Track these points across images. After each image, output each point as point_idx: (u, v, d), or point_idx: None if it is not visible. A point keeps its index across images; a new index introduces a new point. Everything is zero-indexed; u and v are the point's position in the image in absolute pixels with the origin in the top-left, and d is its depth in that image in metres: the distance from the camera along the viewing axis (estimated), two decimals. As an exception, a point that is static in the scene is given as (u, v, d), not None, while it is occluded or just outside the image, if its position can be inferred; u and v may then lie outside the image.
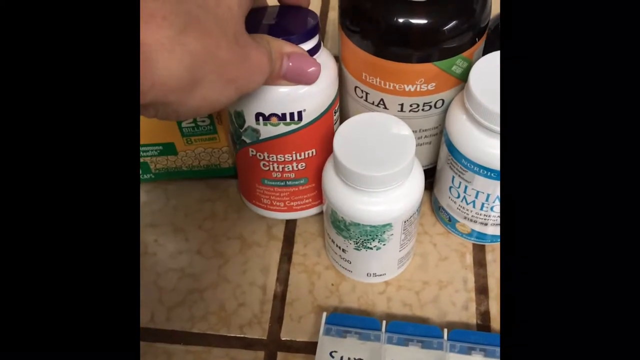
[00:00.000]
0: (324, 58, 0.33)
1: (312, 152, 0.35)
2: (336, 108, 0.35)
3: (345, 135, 0.30)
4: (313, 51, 0.32)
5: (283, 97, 0.32)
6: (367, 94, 0.34)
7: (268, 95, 0.32)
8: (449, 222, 0.37)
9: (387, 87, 0.33)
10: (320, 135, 0.35)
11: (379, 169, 0.29)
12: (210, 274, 0.37)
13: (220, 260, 0.38)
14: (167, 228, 0.39)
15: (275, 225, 0.39)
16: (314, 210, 0.39)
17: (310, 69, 0.31)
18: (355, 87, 0.34)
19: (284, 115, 0.33)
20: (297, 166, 0.36)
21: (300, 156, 0.35)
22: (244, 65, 0.26)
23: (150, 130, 0.37)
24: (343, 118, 0.38)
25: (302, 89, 0.32)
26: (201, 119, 0.37)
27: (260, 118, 0.33)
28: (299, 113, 0.33)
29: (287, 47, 0.31)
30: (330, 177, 0.31)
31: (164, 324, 0.35)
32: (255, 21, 0.32)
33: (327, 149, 0.35)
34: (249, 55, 0.26)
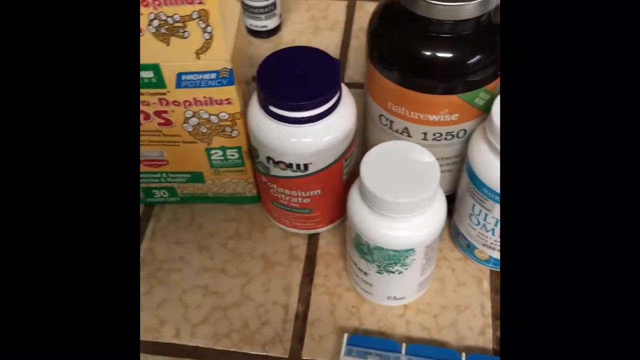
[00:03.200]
0: (343, 113, 0.34)
1: (317, 192, 0.37)
2: (348, 156, 0.36)
3: (372, 162, 0.31)
4: (333, 107, 0.33)
5: (291, 151, 0.33)
6: (391, 122, 0.35)
7: (277, 146, 0.33)
8: (468, 248, 0.38)
9: (412, 116, 0.34)
10: (328, 180, 0.36)
11: (404, 196, 0.30)
12: (234, 292, 0.38)
13: (244, 279, 0.39)
14: (193, 246, 0.41)
15: (297, 246, 0.40)
16: (318, 230, 0.40)
17: None
18: (380, 115, 0.36)
19: (290, 164, 0.34)
20: (302, 200, 0.37)
21: (305, 194, 0.37)
22: None
23: (180, 159, 0.38)
24: (367, 144, 0.40)
25: (313, 147, 0.33)
26: (230, 152, 0.38)
27: (270, 160, 0.35)
28: (305, 165, 0.34)
29: None
30: (355, 201, 0.32)
31: (188, 340, 0.36)
32: (276, 71, 0.33)
33: (333, 190, 0.37)
34: None
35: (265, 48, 0.54)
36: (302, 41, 0.54)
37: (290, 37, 0.55)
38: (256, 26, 0.54)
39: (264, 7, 0.53)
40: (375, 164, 0.31)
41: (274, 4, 0.53)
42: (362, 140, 0.41)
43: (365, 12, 0.57)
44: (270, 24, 0.54)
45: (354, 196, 0.33)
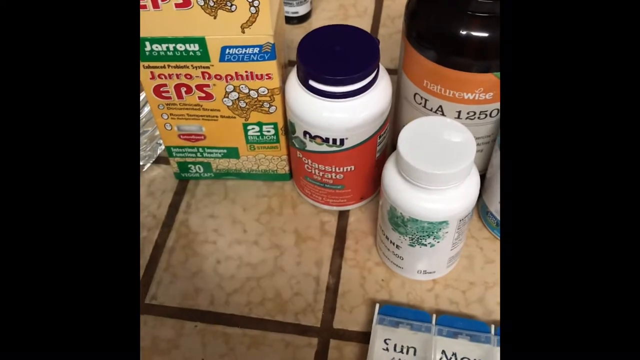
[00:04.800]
0: (380, 89, 0.35)
1: (351, 168, 0.38)
2: (382, 133, 0.37)
3: (410, 136, 0.32)
4: (371, 83, 0.34)
5: (328, 126, 0.34)
6: (426, 100, 0.36)
7: (315, 121, 0.34)
8: (497, 227, 0.39)
9: (447, 94, 0.35)
10: (361, 156, 0.37)
11: (442, 168, 0.31)
12: (267, 263, 0.39)
13: (276, 251, 0.40)
14: (226, 220, 0.42)
15: (328, 222, 0.41)
16: (347, 207, 0.41)
17: None
18: (415, 93, 0.37)
19: (327, 139, 0.35)
20: (335, 176, 0.38)
21: (339, 169, 0.38)
22: None
23: (218, 134, 0.40)
24: (397, 124, 0.41)
25: (349, 123, 0.34)
26: (267, 128, 0.39)
27: (307, 135, 0.36)
28: (342, 140, 0.35)
29: None
30: (391, 174, 0.33)
31: (223, 308, 0.37)
32: (316, 47, 0.34)
33: (365, 167, 0.38)
34: None
35: (295, 34, 0.55)
36: (331, 27, 0.55)
37: (320, 24, 0.56)
38: (287, 12, 0.55)
39: (296, -7, 0.54)
40: (412, 138, 0.32)
41: (305, -10, 0.54)
42: (392, 120, 0.42)
43: (393, 0, 0.58)
44: (302, 10, 0.55)
45: (389, 169, 0.34)
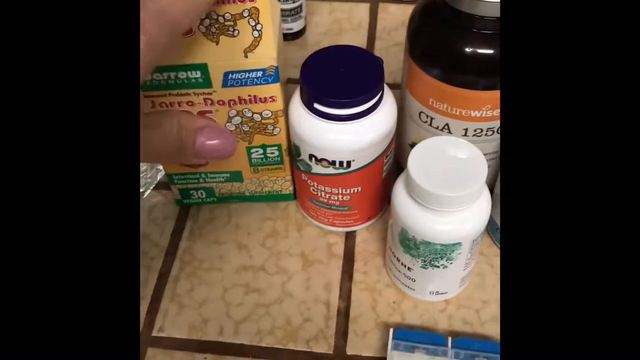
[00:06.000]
0: (385, 110, 0.35)
1: (358, 189, 0.37)
2: (388, 154, 0.36)
3: (419, 157, 0.32)
4: (377, 104, 0.34)
5: (335, 148, 0.34)
6: (432, 119, 0.36)
7: (320, 144, 0.34)
8: (507, 243, 0.38)
9: (454, 112, 0.34)
10: (368, 177, 0.37)
11: (454, 190, 0.30)
12: (275, 289, 0.38)
13: (284, 276, 0.39)
14: (231, 245, 0.41)
15: (335, 243, 0.41)
16: (354, 228, 0.41)
17: (225, 145, 0.31)
18: (420, 112, 0.36)
19: (334, 161, 0.35)
20: (342, 198, 0.38)
21: (346, 191, 0.37)
22: None
23: (220, 160, 0.39)
24: (401, 141, 0.40)
25: (356, 145, 0.34)
26: (271, 150, 0.38)
27: (313, 158, 0.35)
28: (348, 162, 0.35)
29: (199, 121, 0.31)
30: (401, 196, 0.33)
31: (232, 338, 0.36)
32: (319, 68, 0.34)
33: (372, 187, 0.38)
34: None
35: (290, 50, 0.54)
36: (326, 43, 0.55)
37: (315, 39, 0.56)
38: (282, 29, 0.55)
39: (290, 10, 0.53)
40: (422, 159, 0.32)
41: (300, 7, 0.53)
42: (396, 138, 0.41)
43: (388, 13, 0.58)
44: (296, 26, 0.55)
45: (399, 190, 0.33)
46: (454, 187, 0.30)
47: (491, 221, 0.40)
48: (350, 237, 0.41)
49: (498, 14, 0.31)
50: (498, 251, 0.40)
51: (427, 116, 0.36)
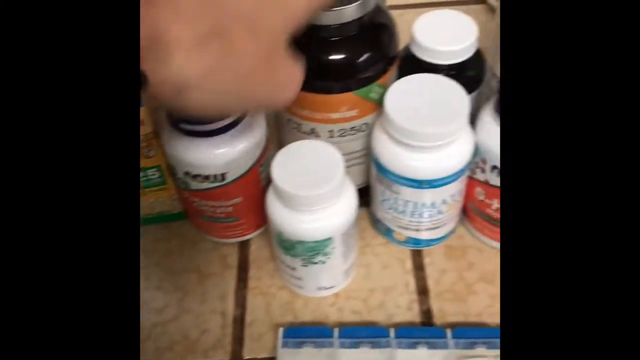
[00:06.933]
0: (252, 119, 0.36)
1: (238, 200, 0.39)
2: (262, 162, 0.38)
3: (282, 163, 0.34)
4: (240, 118, 0.35)
5: (206, 163, 0.35)
6: (299, 124, 0.38)
7: (192, 160, 0.35)
8: (387, 232, 0.41)
9: (317, 116, 0.37)
10: (246, 188, 0.38)
11: (313, 189, 0.32)
12: (172, 307, 0.39)
13: (180, 293, 0.40)
14: (127, 269, 0.42)
15: (229, 254, 0.42)
16: (247, 237, 0.42)
17: None
18: (288, 119, 0.38)
19: (207, 176, 0.36)
20: (225, 210, 0.39)
21: (227, 203, 0.39)
22: (268, 83, 0.25)
23: None
24: (281, 145, 0.42)
25: (226, 158, 0.35)
26: (151, 172, 0.39)
27: (189, 175, 0.36)
28: (222, 175, 0.36)
29: None
30: (272, 202, 0.35)
31: (131, 359, 0.37)
32: None
33: (253, 197, 0.39)
34: (277, 74, 0.26)
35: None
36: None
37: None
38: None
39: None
40: (284, 164, 0.33)
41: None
42: (277, 145, 0.43)
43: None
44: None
45: (271, 197, 0.35)
46: (314, 187, 0.32)
47: (372, 215, 0.42)
48: (244, 246, 0.43)
49: (339, 21, 0.33)
50: (382, 240, 0.42)
51: (295, 122, 0.38)
